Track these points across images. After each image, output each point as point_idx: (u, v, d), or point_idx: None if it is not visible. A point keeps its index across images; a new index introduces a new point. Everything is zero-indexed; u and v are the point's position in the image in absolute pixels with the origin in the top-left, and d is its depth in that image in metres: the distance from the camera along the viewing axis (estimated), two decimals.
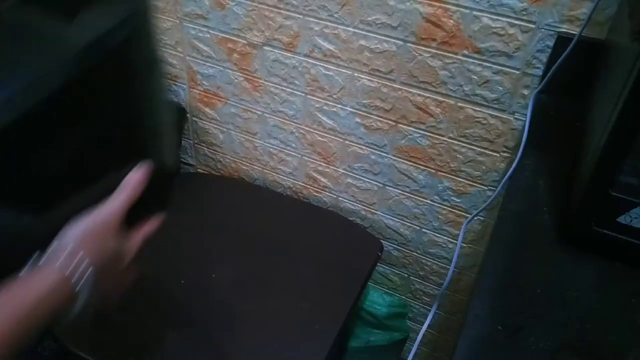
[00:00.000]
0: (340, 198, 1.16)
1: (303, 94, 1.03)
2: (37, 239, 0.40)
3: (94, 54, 0.38)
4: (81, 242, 0.42)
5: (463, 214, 1.01)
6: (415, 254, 1.14)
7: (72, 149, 0.40)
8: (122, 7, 0.40)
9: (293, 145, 1.13)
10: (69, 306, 0.43)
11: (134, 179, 0.48)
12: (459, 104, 0.88)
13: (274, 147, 1.16)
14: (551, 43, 0.76)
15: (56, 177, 0.40)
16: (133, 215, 0.47)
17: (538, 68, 0.79)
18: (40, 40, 0.37)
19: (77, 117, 0.40)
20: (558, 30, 0.75)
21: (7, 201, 0.38)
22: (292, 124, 1.09)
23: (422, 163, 0.99)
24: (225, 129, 1.19)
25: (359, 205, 1.14)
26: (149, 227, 0.53)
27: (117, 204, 0.46)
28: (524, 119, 0.83)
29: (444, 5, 0.80)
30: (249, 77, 1.08)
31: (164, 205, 0.57)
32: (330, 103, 1.02)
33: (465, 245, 1.05)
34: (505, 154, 0.90)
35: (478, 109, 0.87)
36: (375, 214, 1.13)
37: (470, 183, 0.96)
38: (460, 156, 0.94)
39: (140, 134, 0.49)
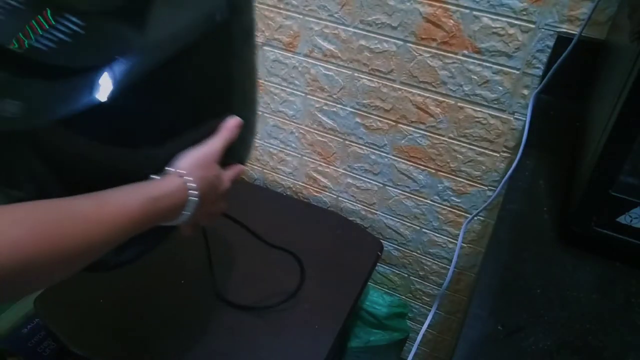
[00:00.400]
0: (340, 198, 1.16)
1: (303, 94, 1.03)
2: (154, 166, 0.51)
3: (217, 18, 0.52)
4: (190, 168, 0.52)
5: (463, 214, 1.01)
6: (415, 254, 1.14)
7: (187, 97, 0.52)
8: None
9: (293, 145, 1.13)
10: (178, 212, 0.51)
11: (232, 123, 0.58)
12: (459, 104, 0.88)
13: (274, 147, 1.16)
14: (551, 43, 0.76)
15: (172, 119, 0.52)
16: (223, 161, 0.58)
17: (538, 68, 0.79)
18: (182, 5, 0.51)
19: (194, 71, 0.52)
20: (558, 30, 0.75)
21: (139, 134, 0.49)
22: (292, 124, 1.09)
23: (422, 163, 0.99)
24: None
25: (359, 205, 1.14)
26: (237, 168, 0.63)
27: (218, 142, 0.56)
28: (524, 119, 0.83)
29: (444, 5, 0.80)
30: None
31: (245, 158, 0.69)
32: (330, 103, 1.02)
33: (465, 245, 1.05)
34: (505, 154, 0.90)
35: (478, 109, 0.87)
36: (375, 214, 1.13)
37: (470, 183, 0.96)
38: (460, 156, 0.94)
39: (236, 90, 0.60)
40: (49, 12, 0.43)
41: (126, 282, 0.90)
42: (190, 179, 0.52)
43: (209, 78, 0.55)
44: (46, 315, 0.87)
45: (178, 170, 0.52)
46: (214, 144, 0.56)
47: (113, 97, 0.43)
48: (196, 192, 0.52)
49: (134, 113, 0.47)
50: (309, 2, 0.91)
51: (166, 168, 0.52)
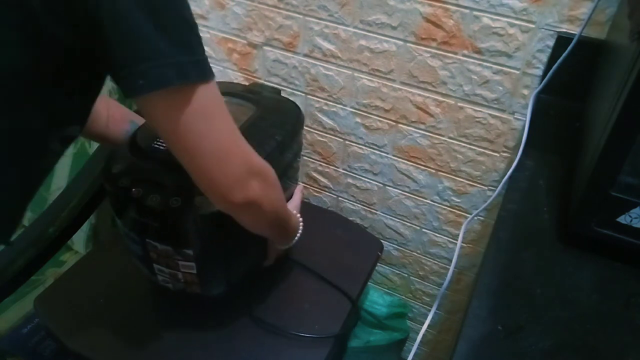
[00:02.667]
0: (340, 198, 1.16)
1: (303, 94, 1.03)
2: None
3: (291, 132, 0.83)
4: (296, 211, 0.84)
5: (463, 214, 1.01)
6: (415, 254, 1.14)
7: (290, 169, 0.84)
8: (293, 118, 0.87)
9: None
10: (294, 236, 0.81)
11: (300, 187, 0.91)
12: (459, 104, 0.88)
13: None
14: (551, 43, 0.76)
15: (287, 179, 0.85)
16: None
17: (538, 68, 0.79)
18: (268, 133, 0.78)
19: (282, 167, 0.80)
20: (558, 30, 0.75)
21: None
22: None
23: (422, 163, 0.99)
24: None
25: (359, 205, 1.14)
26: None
27: (299, 198, 0.88)
28: (524, 119, 0.83)
29: (444, 5, 0.80)
30: (249, 77, 1.08)
31: None
32: (330, 103, 1.02)
33: (465, 245, 1.05)
34: (505, 154, 0.90)
35: (478, 109, 0.87)
36: (375, 214, 1.13)
37: (470, 183, 0.96)
38: (460, 156, 0.94)
39: (295, 170, 0.90)
40: None
41: (126, 282, 0.90)
42: (300, 218, 0.83)
43: (293, 165, 0.88)
44: (46, 315, 0.87)
45: (299, 218, 0.83)
46: (298, 199, 0.88)
47: None
48: (301, 225, 0.82)
49: None
50: (309, 2, 0.91)
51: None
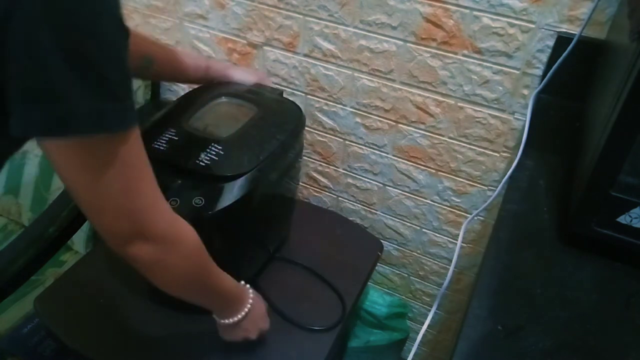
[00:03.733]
0: (340, 198, 1.16)
1: (303, 94, 1.03)
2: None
3: (292, 132, 0.84)
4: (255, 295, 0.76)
5: (463, 214, 1.01)
6: (415, 254, 1.14)
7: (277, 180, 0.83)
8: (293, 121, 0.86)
9: None
10: (235, 311, 0.72)
11: None
12: (459, 104, 0.88)
13: None
14: (551, 43, 0.76)
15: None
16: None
17: (538, 68, 0.79)
18: (269, 133, 0.80)
19: (283, 167, 0.83)
20: (558, 30, 0.75)
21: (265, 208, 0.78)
22: None
23: (422, 163, 0.99)
24: None
25: (359, 205, 1.14)
26: None
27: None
28: (524, 119, 0.83)
29: (444, 5, 0.80)
30: None
31: None
32: (330, 103, 1.02)
33: (465, 245, 1.05)
34: (505, 154, 0.90)
35: (478, 109, 0.87)
36: (375, 214, 1.13)
37: (470, 183, 0.96)
38: (460, 156, 0.94)
39: (296, 170, 0.92)
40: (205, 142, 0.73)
41: (126, 282, 0.90)
42: (252, 291, 0.74)
43: (295, 165, 0.88)
44: (46, 315, 0.87)
45: (248, 286, 0.74)
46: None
47: (249, 192, 0.71)
48: (252, 300, 0.73)
49: (259, 196, 0.75)
50: (309, 2, 0.91)
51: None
